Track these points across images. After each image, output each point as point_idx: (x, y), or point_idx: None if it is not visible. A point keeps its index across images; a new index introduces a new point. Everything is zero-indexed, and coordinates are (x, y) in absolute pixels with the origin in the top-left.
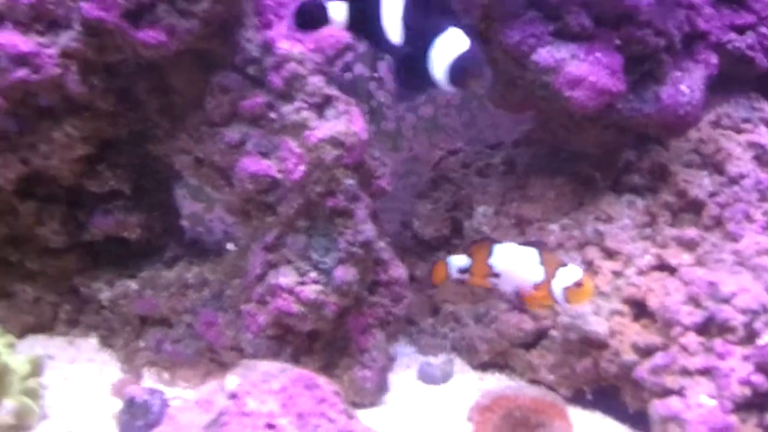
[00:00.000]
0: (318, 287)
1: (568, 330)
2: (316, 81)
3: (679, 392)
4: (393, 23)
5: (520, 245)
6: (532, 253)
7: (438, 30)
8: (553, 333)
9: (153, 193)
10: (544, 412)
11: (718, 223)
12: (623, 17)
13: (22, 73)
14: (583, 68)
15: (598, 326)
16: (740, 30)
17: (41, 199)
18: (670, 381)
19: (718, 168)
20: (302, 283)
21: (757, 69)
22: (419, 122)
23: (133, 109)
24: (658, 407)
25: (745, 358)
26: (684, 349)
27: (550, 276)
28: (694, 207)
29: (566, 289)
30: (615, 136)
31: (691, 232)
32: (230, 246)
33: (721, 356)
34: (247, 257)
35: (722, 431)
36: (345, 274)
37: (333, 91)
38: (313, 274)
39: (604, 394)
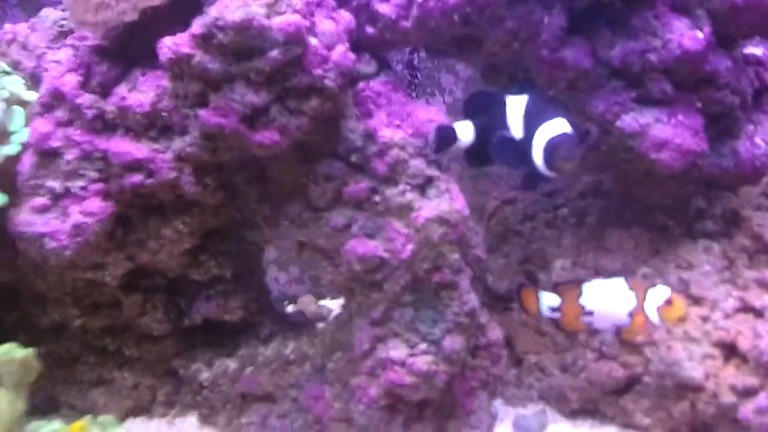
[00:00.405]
0: (429, 358)
1: (663, 376)
2: (417, 164)
3: None
4: (516, 123)
5: (607, 279)
6: (620, 282)
7: (545, 119)
8: (646, 379)
9: (249, 275)
10: None
11: None
12: (702, 81)
13: (137, 178)
14: (667, 131)
15: (694, 371)
16: None
17: (145, 291)
18: None
19: None
20: (413, 355)
21: None
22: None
23: (234, 199)
24: None
25: None
26: None
27: (641, 300)
28: None
29: (659, 309)
30: (689, 187)
31: None
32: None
33: None
34: (347, 331)
35: None
36: (453, 343)
37: (433, 171)
38: (423, 346)
39: None
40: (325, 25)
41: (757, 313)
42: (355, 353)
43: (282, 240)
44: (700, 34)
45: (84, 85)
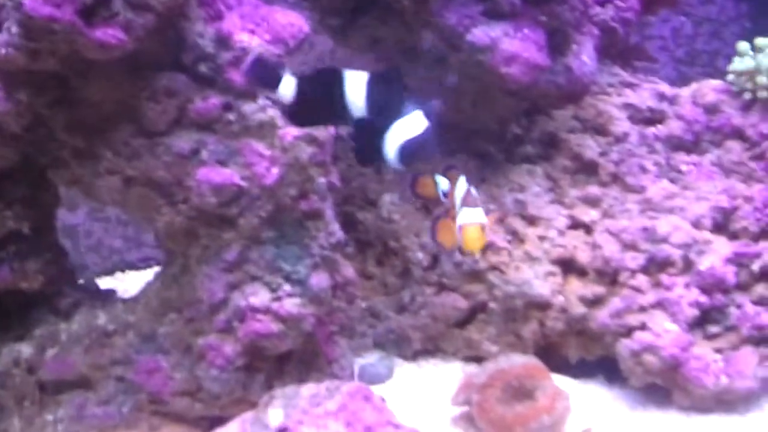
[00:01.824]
0: (296, 300)
1: (511, 297)
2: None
3: (643, 327)
4: (357, 98)
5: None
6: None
7: (400, 112)
8: (492, 305)
9: (47, 232)
10: (534, 376)
11: (615, 178)
12: None
13: None
14: (515, 45)
15: (542, 288)
16: (602, 4)
17: None
18: (632, 319)
19: (600, 130)
20: (278, 299)
21: (619, 38)
22: None
23: (37, 127)
24: (628, 344)
25: (687, 285)
26: (636, 289)
27: (459, 208)
28: (590, 167)
29: (460, 227)
30: (525, 104)
31: (593, 190)
32: None
33: (668, 288)
34: (181, 286)
35: (688, 347)
36: (320, 280)
37: None
38: (287, 287)
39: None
40: None
41: (587, 228)
42: (200, 309)
43: (100, 177)
44: None
45: None
